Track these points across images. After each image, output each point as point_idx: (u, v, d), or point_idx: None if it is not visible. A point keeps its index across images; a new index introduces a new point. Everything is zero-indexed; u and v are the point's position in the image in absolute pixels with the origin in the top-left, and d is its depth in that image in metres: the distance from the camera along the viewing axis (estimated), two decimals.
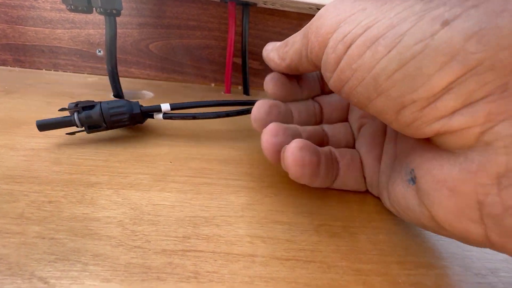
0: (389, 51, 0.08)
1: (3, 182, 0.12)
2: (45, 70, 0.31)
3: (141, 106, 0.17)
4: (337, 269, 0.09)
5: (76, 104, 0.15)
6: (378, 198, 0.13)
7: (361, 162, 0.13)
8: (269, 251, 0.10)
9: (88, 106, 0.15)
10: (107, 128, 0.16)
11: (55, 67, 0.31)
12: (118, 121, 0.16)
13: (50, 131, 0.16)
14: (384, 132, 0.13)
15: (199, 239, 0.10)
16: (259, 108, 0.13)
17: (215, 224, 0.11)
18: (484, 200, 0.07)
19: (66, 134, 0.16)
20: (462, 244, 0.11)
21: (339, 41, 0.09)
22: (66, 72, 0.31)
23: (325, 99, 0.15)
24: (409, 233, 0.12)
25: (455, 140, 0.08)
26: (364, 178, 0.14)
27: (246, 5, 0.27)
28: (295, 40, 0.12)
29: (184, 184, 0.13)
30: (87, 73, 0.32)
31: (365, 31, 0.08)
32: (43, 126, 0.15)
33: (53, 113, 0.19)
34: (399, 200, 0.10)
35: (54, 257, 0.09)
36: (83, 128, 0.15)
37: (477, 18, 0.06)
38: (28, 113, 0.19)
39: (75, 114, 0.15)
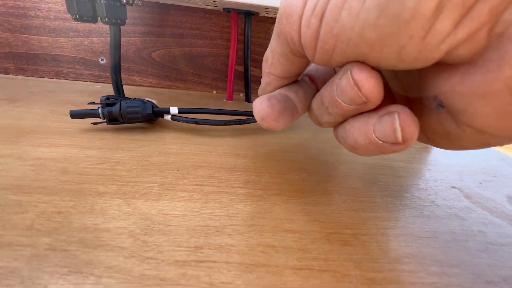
0: (364, 1, 0.07)
1: (11, 192, 0.12)
2: (48, 78, 0.31)
3: (154, 106, 0.19)
4: (351, 278, 0.09)
5: (107, 97, 0.18)
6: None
7: None
8: (282, 260, 0.10)
9: (110, 103, 0.18)
10: (123, 123, 0.19)
11: (58, 75, 0.31)
12: (133, 118, 0.19)
13: (56, 139, 0.16)
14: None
15: (211, 249, 0.10)
16: (260, 105, 0.12)
17: (226, 233, 0.11)
18: None
19: (91, 123, 0.19)
20: (472, 251, 0.12)
21: (310, 17, 0.08)
22: (69, 80, 0.31)
23: (316, 76, 0.13)
24: (418, 240, 0.12)
25: (467, 49, 0.07)
26: None
27: (249, 14, 0.28)
28: (272, 48, 0.11)
29: (192, 193, 0.13)
30: (90, 81, 0.32)
31: None
32: (75, 115, 0.18)
33: (58, 121, 0.19)
34: (435, 129, 0.10)
35: (66, 269, 0.08)
36: (105, 120, 0.18)
37: None
38: (32, 121, 0.19)
39: (100, 108, 0.18)
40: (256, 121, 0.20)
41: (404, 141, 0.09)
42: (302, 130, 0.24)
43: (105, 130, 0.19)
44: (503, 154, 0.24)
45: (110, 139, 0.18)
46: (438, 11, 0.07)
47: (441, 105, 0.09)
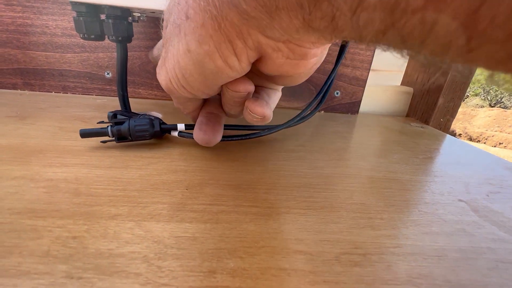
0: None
1: (26, 217, 0.12)
2: (55, 92, 0.31)
3: (162, 123, 0.20)
4: None
5: (114, 114, 0.19)
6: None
7: None
8: (295, 284, 0.10)
9: (119, 122, 0.19)
10: (132, 140, 0.19)
11: (64, 89, 0.32)
12: (141, 136, 0.19)
13: (66, 158, 0.17)
14: None
15: (224, 273, 0.10)
16: (198, 136, 0.18)
17: (238, 256, 0.11)
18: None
19: (100, 142, 0.19)
20: (482, 269, 0.12)
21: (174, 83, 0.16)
22: (75, 94, 0.32)
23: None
24: (428, 260, 0.12)
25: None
26: None
27: None
28: (176, 103, 0.19)
29: (202, 213, 0.13)
30: (96, 95, 0.32)
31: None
32: (85, 134, 0.18)
33: (67, 139, 0.20)
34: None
35: None
36: (114, 138, 0.19)
37: None
38: (42, 139, 0.19)
39: (109, 127, 0.19)
40: (265, 135, 0.22)
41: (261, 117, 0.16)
42: (304, 139, 0.24)
43: (113, 147, 0.19)
44: (508, 163, 0.24)
45: (118, 156, 0.18)
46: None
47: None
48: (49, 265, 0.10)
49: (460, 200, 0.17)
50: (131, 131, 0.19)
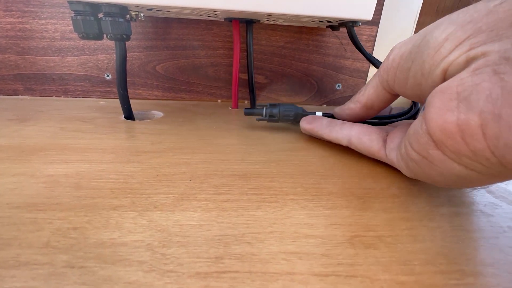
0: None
1: (26, 210, 0.11)
2: (55, 97, 0.31)
3: (304, 111, 0.23)
4: (381, 283, 0.09)
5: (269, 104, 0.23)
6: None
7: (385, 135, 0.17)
8: (307, 267, 0.09)
9: (273, 105, 0.23)
10: (278, 121, 0.23)
11: (65, 93, 0.32)
12: (286, 116, 0.23)
13: (68, 155, 0.16)
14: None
15: (232, 259, 0.10)
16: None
17: (246, 242, 0.10)
18: (460, 90, 0.10)
19: (257, 119, 0.23)
20: (504, 248, 0.11)
21: (393, 59, 0.14)
22: (76, 97, 0.32)
23: None
24: (446, 239, 0.11)
25: (456, 71, 0.10)
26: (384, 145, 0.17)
27: (250, 22, 0.28)
28: (371, 82, 0.17)
29: (207, 202, 0.13)
30: (96, 97, 0.32)
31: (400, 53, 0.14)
32: (248, 113, 0.23)
33: (68, 138, 0.19)
34: (411, 137, 0.12)
35: (86, 287, 0.08)
36: (266, 117, 0.23)
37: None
38: (42, 139, 0.19)
39: (265, 109, 0.23)
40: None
41: None
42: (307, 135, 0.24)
43: (114, 145, 0.19)
44: None
45: (120, 152, 0.18)
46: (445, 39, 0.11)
47: (423, 108, 0.12)
48: (49, 255, 0.09)
49: None
50: (280, 113, 0.22)
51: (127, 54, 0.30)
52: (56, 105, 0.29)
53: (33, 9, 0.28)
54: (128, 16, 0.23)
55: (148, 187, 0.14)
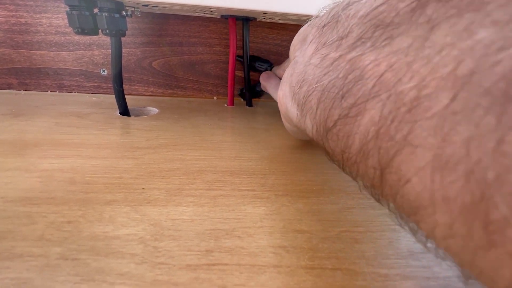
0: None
1: (20, 204, 0.12)
2: (50, 91, 0.31)
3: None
4: (364, 276, 0.09)
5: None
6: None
7: None
8: (294, 260, 0.10)
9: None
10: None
11: (60, 88, 0.31)
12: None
13: (62, 150, 0.16)
14: None
15: (222, 252, 0.10)
16: None
17: (236, 236, 0.11)
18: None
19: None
20: None
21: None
22: (71, 92, 0.32)
23: None
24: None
25: None
26: None
27: (246, 20, 0.28)
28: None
29: (200, 197, 0.13)
30: (92, 93, 0.32)
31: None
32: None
33: (63, 133, 0.20)
34: None
35: (79, 278, 0.08)
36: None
37: None
38: (37, 134, 0.19)
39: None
40: None
41: None
42: None
43: (109, 140, 0.19)
44: None
45: (115, 148, 0.18)
46: None
47: None
48: (43, 248, 0.09)
49: None
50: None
51: (123, 50, 0.29)
52: (51, 100, 0.28)
53: (27, 3, 0.28)
54: (124, 12, 0.23)
55: (142, 182, 0.14)
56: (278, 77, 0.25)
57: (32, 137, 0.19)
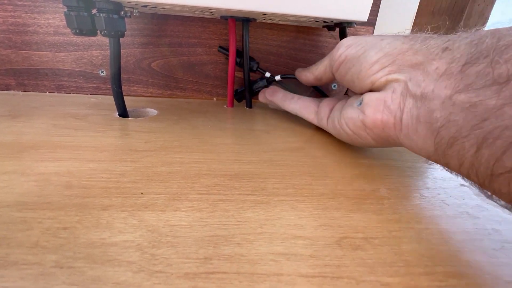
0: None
1: (16, 209, 0.11)
2: (49, 92, 0.31)
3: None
4: (366, 285, 0.09)
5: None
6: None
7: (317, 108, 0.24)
8: (294, 268, 0.10)
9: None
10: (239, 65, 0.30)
11: (58, 89, 0.31)
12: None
13: (59, 153, 0.16)
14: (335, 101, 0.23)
15: (221, 259, 0.10)
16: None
17: (235, 242, 0.10)
18: (387, 101, 0.16)
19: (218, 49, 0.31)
20: (488, 250, 0.11)
21: (340, 55, 0.19)
22: (70, 93, 0.31)
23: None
24: (432, 241, 0.12)
25: (379, 85, 0.16)
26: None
27: (246, 20, 0.28)
28: (323, 61, 0.22)
29: (199, 202, 0.13)
30: (90, 94, 0.32)
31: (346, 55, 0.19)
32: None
33: (60, 135, 0.19)
34: (347, 119, 0.19)
35: (74, 287, 0.08)
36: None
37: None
38: (34, 136, 0.19)
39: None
40: None
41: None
42: (301, 134, 0.24)
43: (107, 143, 0.19)
44: None
45: (113, 151, 0.18)
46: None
47: (360, 102, 0.18)
48: (38, 255, 0.09)
49: (462, 185, 0.17)
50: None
51: (122, 50, 0.29)
52: (49, 101, 0.28)
53: (25, 3, 0.28)
54: (122, 12, 0.23)
55: (140, 187, 0.14)
56: (304, 78, 0.25)
57: (29, 139, 0.18)
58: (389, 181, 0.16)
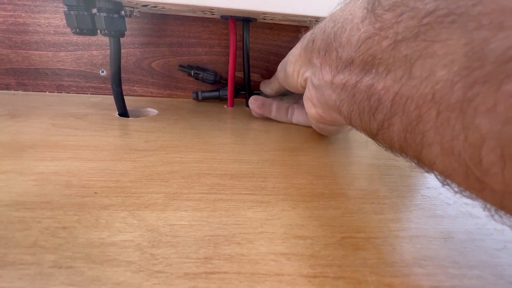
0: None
1: (14, 209, 0.11)
2: (49, 92, 0.31)
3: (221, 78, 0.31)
4: (368, 285, 0.09)
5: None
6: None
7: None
8: (295, 268, 0.09)
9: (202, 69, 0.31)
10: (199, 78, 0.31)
11: (58, 89, 0.31)
12: (207, 79, 0.32)
13: (59, 152, 0.16)
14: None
15: (221, 259, 0.10)
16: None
17: (235, 242, 0.10)
18: (313, 98, 0.19)
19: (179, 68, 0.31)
20: (490, 250, 0.11)
21: (278, 77, 0.26)
22: (70, 93, 0.31)
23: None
24: (433, 241, 0.11)
25: (305, 85, 0.20)
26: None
27: (246, 20, 0.28)
28: (276, 77, 0.26)
29: (199, 201, 0.13)
30: (90, 93, 0.32)
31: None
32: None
33: (60, 135, 0.19)
34: (306, 121, 0.25)
35: (73, 287, 0.08)
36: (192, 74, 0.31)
37: None
38: (33, 135, 0.19)
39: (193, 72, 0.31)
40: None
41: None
42: (301, 133, 0.24)
43: (107, 142, 0.19)
44: None
45: (113, 150, 0.17)
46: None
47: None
48: (36, 255, 0.09)
49: None
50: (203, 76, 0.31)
51: (122, 50, 0.29)
52: (49, 100, 0.28)
53: (25, 3, 0.28)
54: (122, 12, 0.23)
55: (140, 186, 0.14)
56: (267, 92, 0.29)
57: (28, 139, 0.18)
58: (390, 180, 0.16)
